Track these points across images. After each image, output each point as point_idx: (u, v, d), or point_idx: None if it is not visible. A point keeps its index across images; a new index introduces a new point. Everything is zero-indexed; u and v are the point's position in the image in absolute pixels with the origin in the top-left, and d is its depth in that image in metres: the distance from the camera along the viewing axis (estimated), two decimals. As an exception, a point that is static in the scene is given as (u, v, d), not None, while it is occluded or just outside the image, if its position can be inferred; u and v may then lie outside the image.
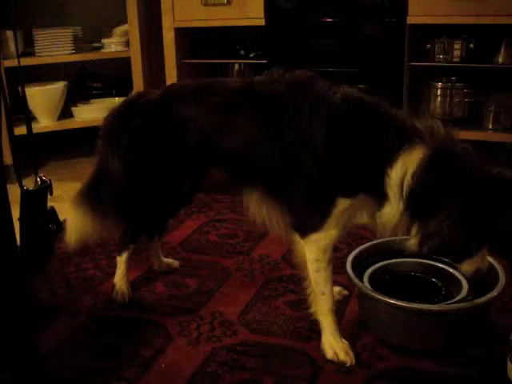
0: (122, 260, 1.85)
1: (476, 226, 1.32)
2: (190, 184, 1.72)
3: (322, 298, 1.52)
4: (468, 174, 1.32)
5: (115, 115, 1.72)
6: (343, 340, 1.52)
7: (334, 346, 1.51)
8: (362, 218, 1.50)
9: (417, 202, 1.34)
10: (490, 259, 1.63)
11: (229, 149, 1.56)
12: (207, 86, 1.64)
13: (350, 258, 1.67)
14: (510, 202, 1.31)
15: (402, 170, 1.33)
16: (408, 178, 1.33)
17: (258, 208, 1.59)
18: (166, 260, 2.03)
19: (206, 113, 1.57)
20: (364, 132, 1.40)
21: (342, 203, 1.43)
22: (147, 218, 1.82)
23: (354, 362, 1.48)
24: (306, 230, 1.49)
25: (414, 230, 1.38)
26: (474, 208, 1.31)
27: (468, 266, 1.42)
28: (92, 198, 1.77)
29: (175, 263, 2.04)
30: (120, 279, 1.84)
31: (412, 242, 1.40)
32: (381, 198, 1.39)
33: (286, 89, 1.50)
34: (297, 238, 1.52)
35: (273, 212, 1.57)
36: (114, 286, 1.84)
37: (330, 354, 1.50)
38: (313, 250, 1.49)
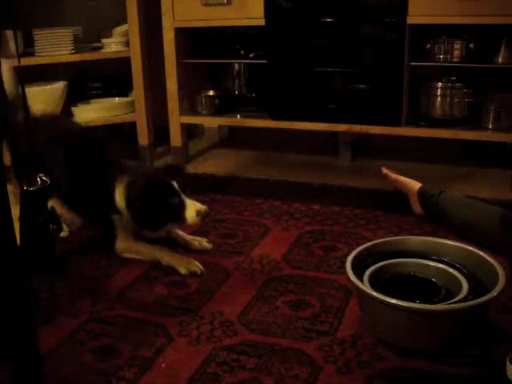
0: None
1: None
2: None
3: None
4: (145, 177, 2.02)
5: None
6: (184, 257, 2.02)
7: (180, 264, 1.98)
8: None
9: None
10: (490, 259, 1.63)
11: None
12: None
13: (349, 258, 1.67)
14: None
15: (119, 190, 2.04)
16: (122, 193, 2.03)
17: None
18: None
19: None
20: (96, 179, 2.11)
21: None
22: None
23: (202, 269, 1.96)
24: None
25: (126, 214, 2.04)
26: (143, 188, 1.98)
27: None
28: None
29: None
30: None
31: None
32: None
33: None
34: None
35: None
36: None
37: (182, 271, 1.96)
38: None
